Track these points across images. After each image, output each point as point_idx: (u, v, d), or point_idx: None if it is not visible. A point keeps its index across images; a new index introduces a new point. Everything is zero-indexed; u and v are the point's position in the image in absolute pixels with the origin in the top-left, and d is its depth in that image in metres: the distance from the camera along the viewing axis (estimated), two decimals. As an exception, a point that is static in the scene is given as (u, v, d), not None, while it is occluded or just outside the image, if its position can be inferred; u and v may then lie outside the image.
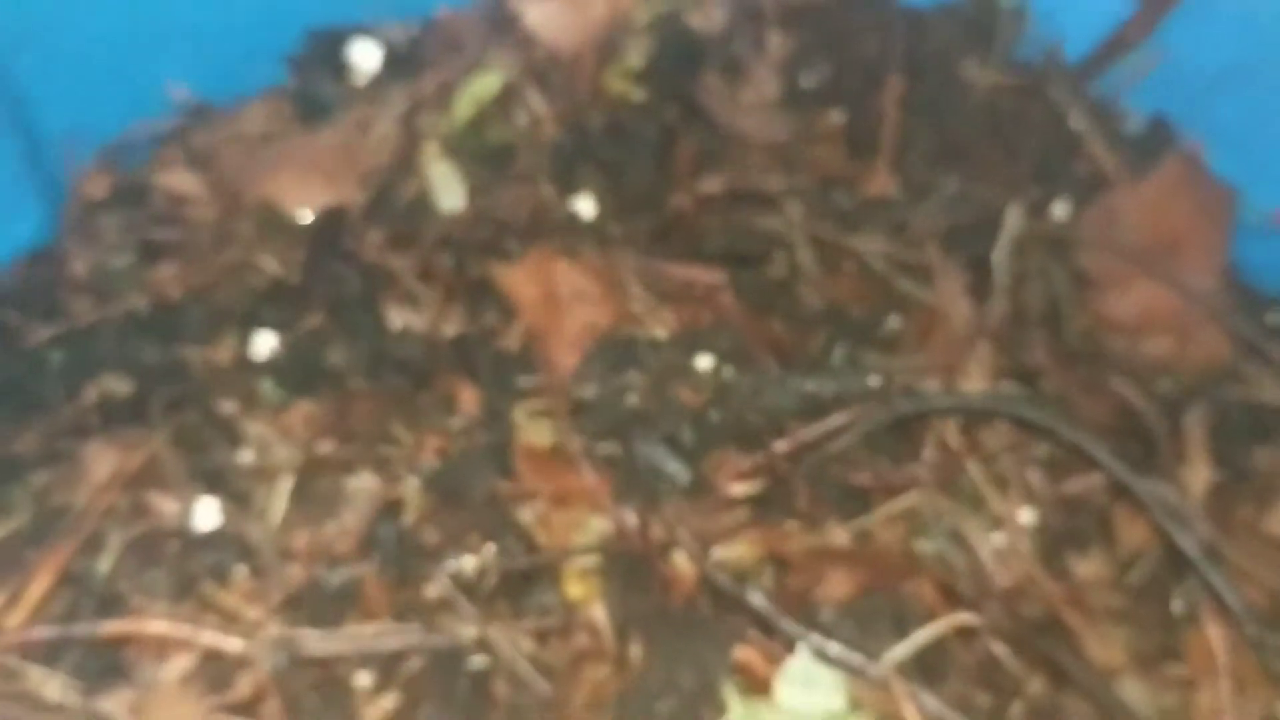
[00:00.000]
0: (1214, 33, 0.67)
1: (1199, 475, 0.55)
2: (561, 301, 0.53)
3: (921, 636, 0.47)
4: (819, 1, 0.73)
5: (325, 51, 0.70)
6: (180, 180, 0.64)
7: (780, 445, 0.49)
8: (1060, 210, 0.66)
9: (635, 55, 0.68)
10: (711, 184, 0.60)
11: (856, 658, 0.45)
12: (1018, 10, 0.71)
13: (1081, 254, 0.64)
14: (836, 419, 0.50)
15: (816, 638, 0.45)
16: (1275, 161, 0.66)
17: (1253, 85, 0.67)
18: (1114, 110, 0.71)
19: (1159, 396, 0.60)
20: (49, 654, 0.45)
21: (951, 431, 0.52)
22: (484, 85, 0.64)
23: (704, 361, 0.52)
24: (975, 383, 0.54)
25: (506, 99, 0.64)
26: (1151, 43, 0.69)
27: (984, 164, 0.65)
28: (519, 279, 0.54)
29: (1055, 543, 0.53)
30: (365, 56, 0.69)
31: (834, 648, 0.45)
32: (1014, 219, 0.60)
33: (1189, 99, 0.69)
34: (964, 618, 0.48)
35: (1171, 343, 0.62)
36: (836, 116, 0.66)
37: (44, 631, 0.46)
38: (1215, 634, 0.49)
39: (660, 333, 0.54)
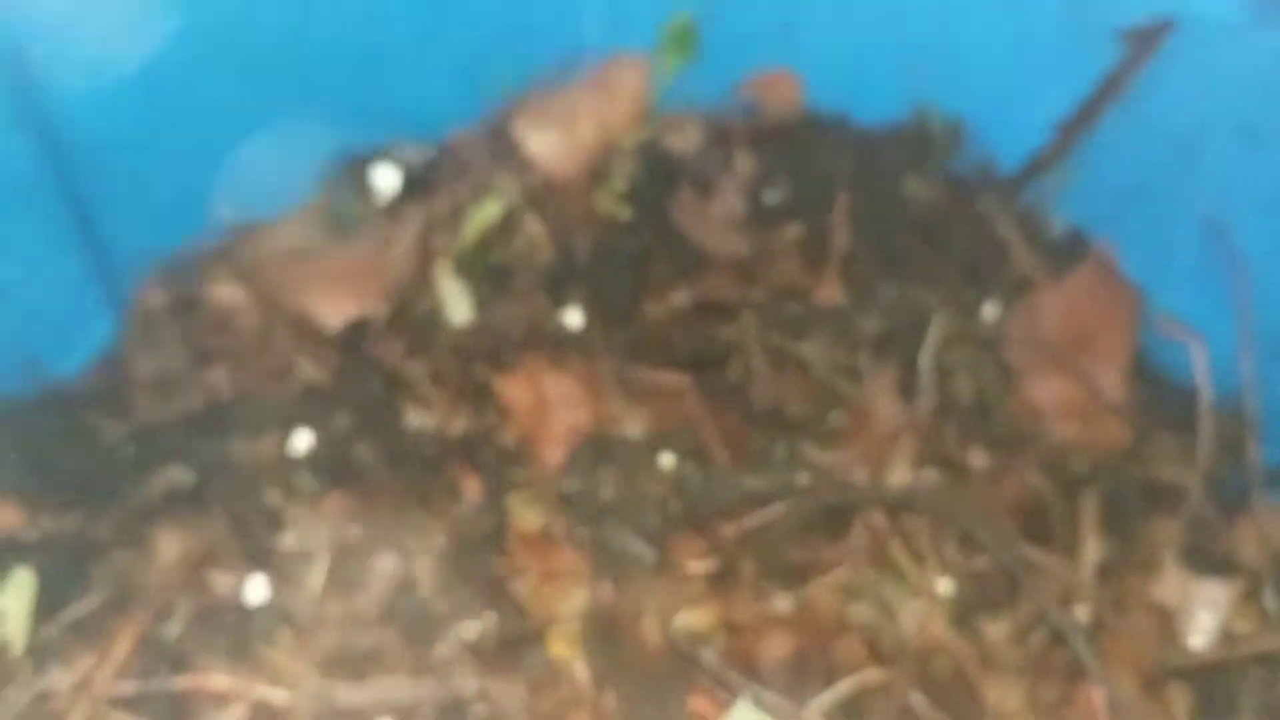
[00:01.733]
0: (1124, 154, 0.76)
1: (1090, 549, 0.64)
2: (550, 405, 0.64)
3: (845, 687, 0.56)
4: (781, 124, 0.83)
5: (351, 173, 0.81)
6: (226, 292, 0.74)
7: (729, 530, 0.59)
8: (990, 309, 0.75)
9: (620, 177, 0.79)
10: (681, 297, 0.70)
11: (789, 705, 0.55)
12: (953, 131, 0.81)
13: (1007, 349, 0.74)
14: (776, 508, 0.60)
15: (756, 688, 0.55)
16: (1178, 265, 0.76)
17: (1157, 199, 0.76)
18: (1038, 220, 0.80)
19: (1068, 476, 0.69)
20: (132, 705, 0.56)
21: (877, 515, 0.62)
22: (488, 210, 0.74)
23: (667, 459, 0.62)
24: (900, 473, 0.64)
25: (507, 222, 0.74)
26: (1070, 162, 0.79)
27: (922, 270, 0.75)
28: (515, 386, 0.64)
29: (967, 608, 0.62)
30: (385, 179, 0.79)
31: (770, 696, 0.55)
32: (940, 325, 0.70)
33: (1104, 210, 0.79)
34: (883, 672, 0.57)
35: (1080, 427, 0.71)
36: (794, 231, 0.76)
37: (127, 686, 0.56)
38: (1096, 694, 0.58)
39: (634, 431, 0.64)
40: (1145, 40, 0.72)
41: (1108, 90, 0.74)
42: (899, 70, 0.80)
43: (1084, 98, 0.75)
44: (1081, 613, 0.60)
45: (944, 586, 0.62)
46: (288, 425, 0.66)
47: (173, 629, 0.58)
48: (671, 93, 0.83)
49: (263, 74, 0.74)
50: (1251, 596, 0.62)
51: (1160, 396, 0.73)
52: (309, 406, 0.67)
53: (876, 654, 0.59)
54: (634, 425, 0.64)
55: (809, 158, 0.80)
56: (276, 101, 0.75)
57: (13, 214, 0.63)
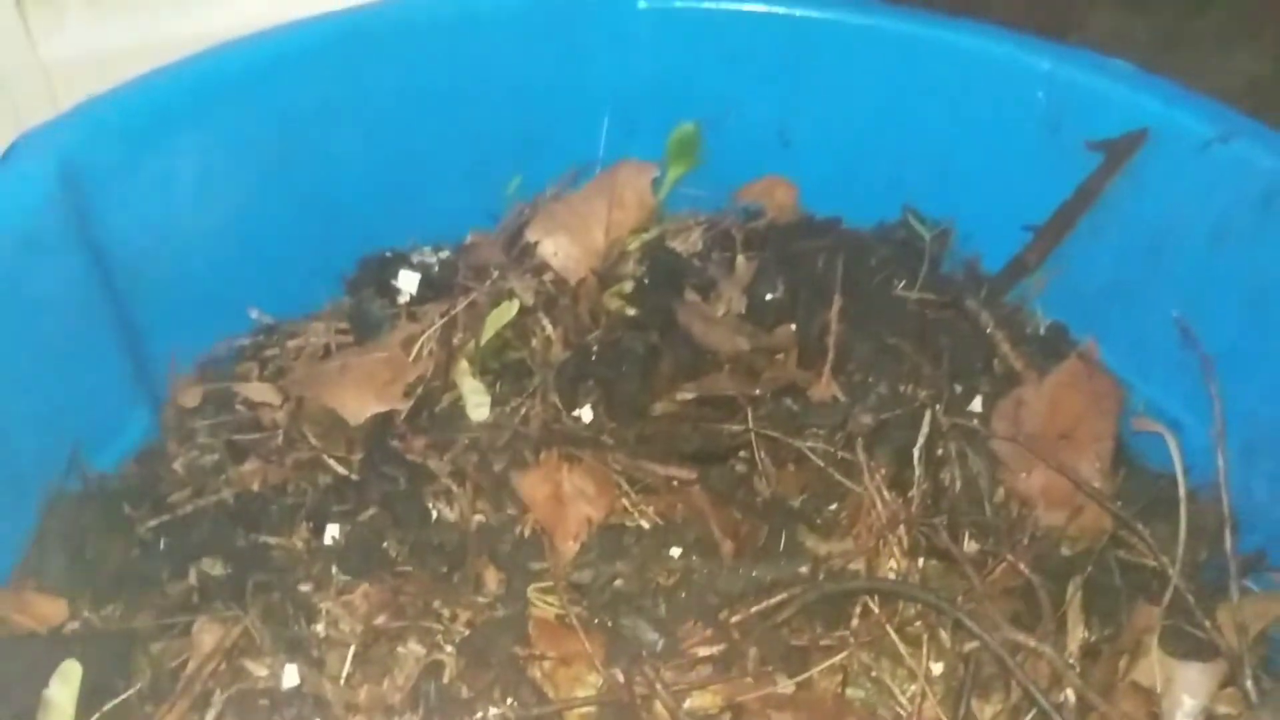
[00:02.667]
0: (1103, 255, 0.81)
1: (1077, 634, 0.68)
2: (565, 499, 0.68)
3: (847, 768, 0.60)
4: (779, 227, 0.88)
5: (375, 275, 0.85)
6: (257, 390, 0.78)
7: (735, 617, 0.63)
8: (977, 404, 0.80)
9: (628, 278, 0.84)
10: (687, 393, 0.75)
11: (794, 785, 0.58)
12: (941, 234, 0.86)
13: (995, 441, 0.78)
14: (779, 596, 0.63)
15: (763, 769, 0.58)
16: (1157, 359, 0.80)
17: (1135, 298, 0.81)
18: (1023, 317, 0.85)
19: (1055, 562, 0.73)
20: (172, 788, 0.59)
21: (874, 603, 0.66)
22: (505, 311, 0.78)
23: (675, 551, 0.66)
24: (895, 562, 0.68)
25: (523, 322, 0.79)
26: (1052, 262, 0.84)
27: (913, 366, 0.79)
28: (532, 481, 0.68)
29: (961, 690, 0.66)
30: (407, 281, 0.84)
31: (776, 777, 0.58)
32: (930, 419, 0.74)
33: (1086, 307, 0.83)
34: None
35: (1065, 516, 0.75)
36: (791, 329, 0.81)
37: (168, 772, 0.59)
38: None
39: (644, 524, 0.68)
40: (1119, 150, 0.78)
41: (1084, 196, 0.80)
42: (889, 176, 0.86)
43: (1063, 203, 0.80)
44: (1069, 695, 0.64)
45: (938, 670, 0.65)
46: (317, 518, 0.69)
47: (209, 716, 0.61)
48: (676, 197, 0.88)
49: (292, 186, 0.79)
50: (1232, 680, 0.65)
51: (1142, 484, 0.77)
52: (337, 499, 0.71)
53: (875, 734, 0.62)
54: (644, 518, 0.68)
55: (805, 259, 0.85)
56: (303, 209, 0.80)
57: (66, 321, 0.68)
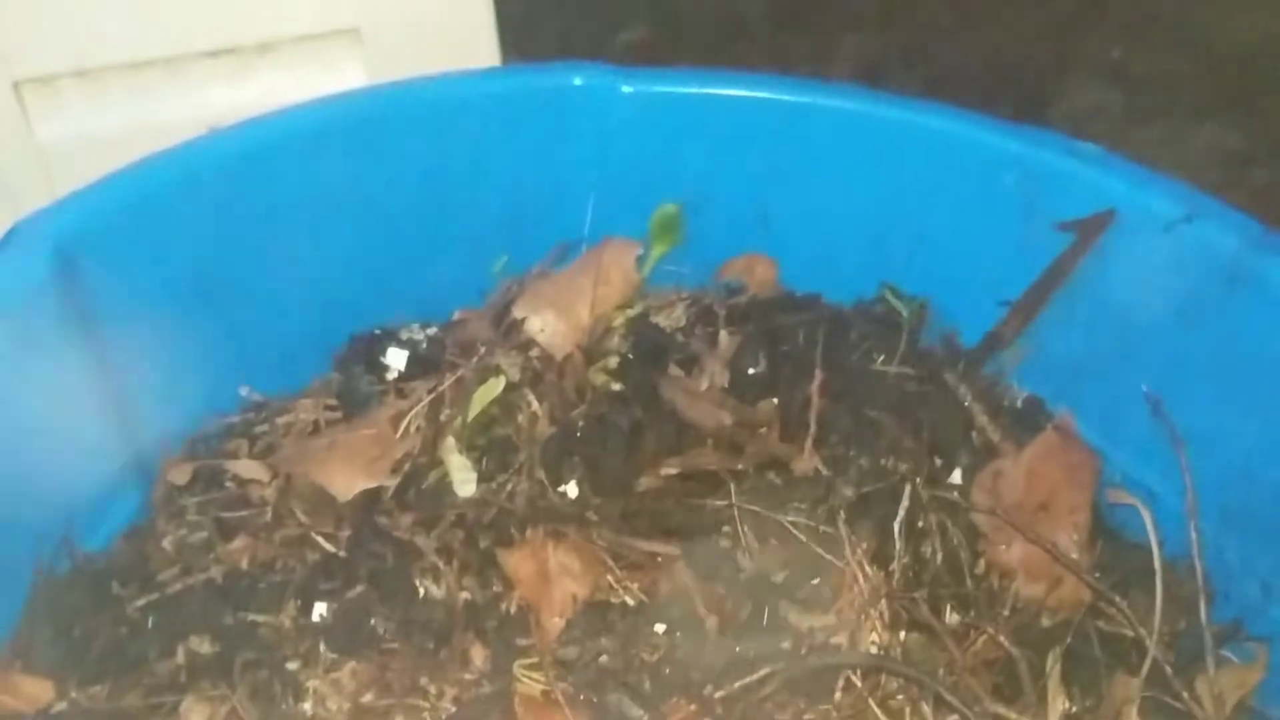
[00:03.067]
0: (1075, 330, 0.83)
1: (1057, 705, 0.69)
2: (551, 576, 0.69)
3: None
4: (760, 301, 0.90)
5: (363, 351, 0.87)
6: (246, 467, 0.79)
7: (719, 693, 0.64)
8: (957, 476, 0.81)
9: (613, 353, 0.85)
10: (671, 468, 0.76)
11: None
12: (918, 309, 0.88)
13: (974, 513, 0.79)
14: (762, 671, 0.64)
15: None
16: (1131, 432, 0.82)
17: (1108, 372, 0.83)
18: (1000, 390, 0.87)
19: (1035, 634, 0.74)
20: None
21: (857, 677, 0.67)
22: (491, 388, 0.80)
23: (659, 627, 0.67)
24: (877, 635, 0.69)
25: (509, 398, 0.80)
26: (1026, 337, 0.85)
27: (892, 440, 0.81)
28: (518, 558, 0.69)
29: (944, 762, 0.66)
30: (394, 357, 0.85)
31: None
32: (911, 493, 0.75)
33: (1061, 381, 0.85)
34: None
35: (1045, 588, 0.76)
36: (773, 403, 0.82)
37: None
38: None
39: (628, 600, 0.69)
40: (1088, 230, 0.80)
41: (1056, 273, 0.82)
42: (867, 253, 0.88)
43: (1036, 279, 0.82)
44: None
45: (921, 743, 0.66)
46: (305, 595, 0.70)
47: (197, 796, 0.61)
48: (659, 274, 0.90)
49: (283, 266, 0.80)
50: (1211, 750, 0.66)
51: (1120, 555, 0.78)
52: (325, 576, 0.71)
53: (859, 809, 0.62)
54: (629, 593, 0.69)
55: (786, 334, 0.86)
56: (294, 289, 0.82)
57: (58, 402, 0.69)
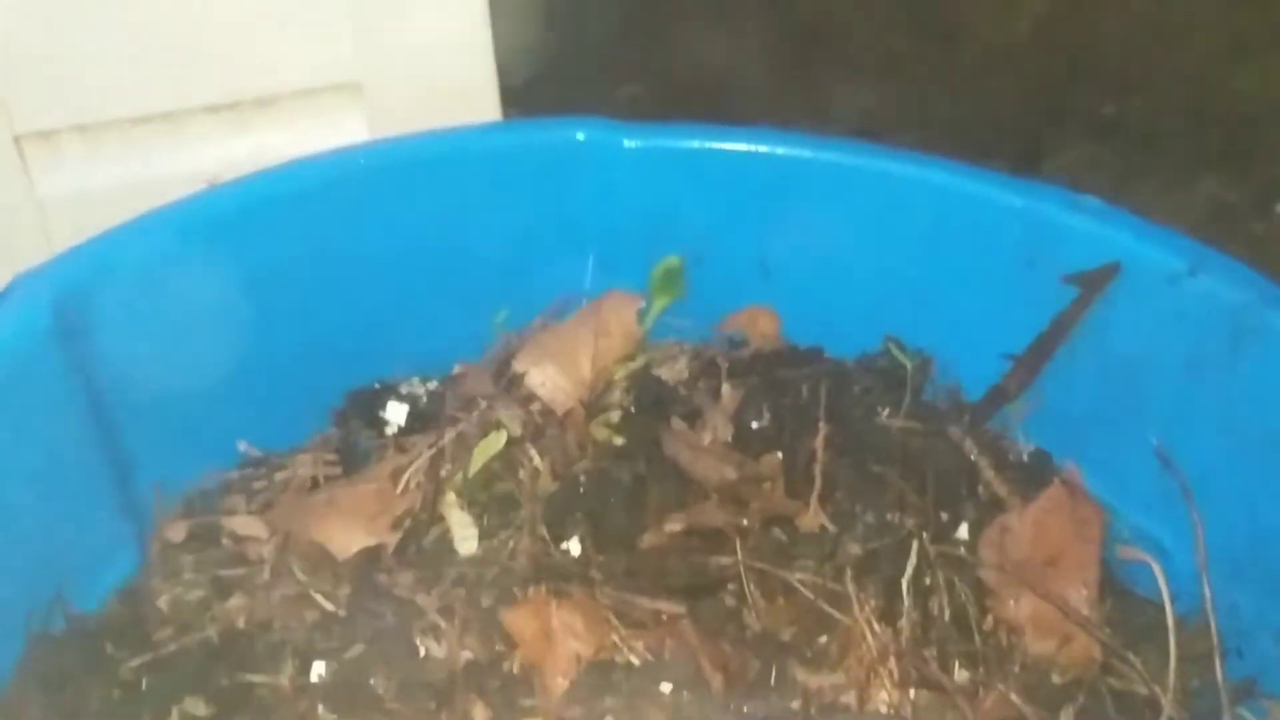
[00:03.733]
0: (1081, 383, 0.82)
1: (1071, 767, 0.67)
2: (554, 635, 0.67)
3: None
4: (763, 354, 0.90)
5: (363, 406, 0.86)
6: (243, 524, 0.78)
7: (727, 755, 0.62)
8: (963, 531, 0.80)
9: (615, 407, 0.85)
10: (675, 524, 0.75)
11: None
12: (923, 362, 0.87)
13: (982, 569, 0.78)
14: (770, 733, 0.63)
15: None
16: (1140, 486, 0.81)
17: (1115, 425, 0.82)
18: (1006, 444, 0.86)
19: (1047, 691, 0.72)
20: None
21: (866, 737, 0.65)
22: (492, 442, 0.79)
23: (665, 687, 0.65)
24: (887, 694, 0.67)
25: (510, 454, 0.79)
26: (1032, 390, 0.85)
27: (898, 495, 0.80)
28: (520, 617, 0.68)
29: (957, 826, 0.65)
30: (394, 412, 0.85)
31: None
32: (918, 548, 0.74)
33: (1068, 434, 0.84)
34: None
35: (1055, 644, 0.74)
36: (777, 458, 0.81)
37: None
38: None
39: (633, 659, 0.67)
40: (1093, 283, 0.80)
41: (1061, 327, 0.81)
42: (870, 307, 0.87)
43: (1040, 333, 0.82)
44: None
45: (933, 806, 0.65)
46: (303, 655, 0.69)
47: None
48: (660, 327, 0.90)
49: (282, 321, 0.80)
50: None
51: (1131, 611, 0.77)
52: (324, 636, 0.70)
53: None
54: (634, 653, 0.67)
55: (789, 387, 0.86)
56: (293, 343, 0.81)
57: (55, 459, 0.68)
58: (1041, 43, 1.71)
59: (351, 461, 0.81)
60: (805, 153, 0.83)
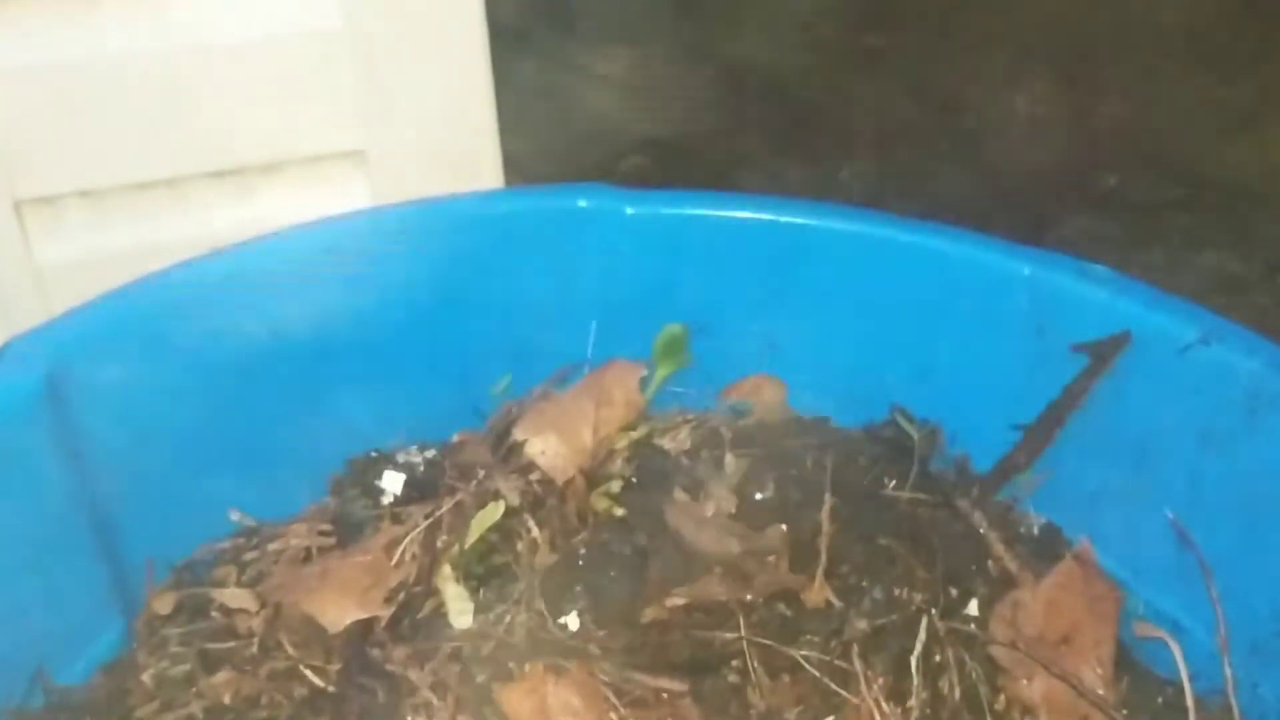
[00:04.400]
0: (1092, 456, 0.80)
1: None
2: (550, 713, 0.65)
3: None
4: (767, 424, 0.88)
5: (359, 474, 0.84)
6: (233, 596, 0.76)
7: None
8: (973, 607, 0.78)
9: (616, 477, 0.83)
10: (677, 599, 0.73)
11: None
12: (930, 433, 0.86)
13: (993, 646, 0.76)
14: (775, 819, 0.60)
15: None
16: (1154, 561, 0.79)
17: (1128, 499, 0.80)
18: (1016, 518, 0.84)
19: (1065, 776, 0.70)
20: None
21: (876, 824, 0.63)
22: (490, 512, 0.77)
23: (666, 770, 0.63)
24: (897, 779, 0.65)
25: (509, 524, 0.77)
26: (1042, 462, 0.83)
27: (906, 569, 0.78)
28: (516, 695, 0.66)
29: None
30: (391, 482, 0.83)
31: None
32: (928, 625, 0.72)
33: (1079, 508, 0.82)
34: None
35: (1072, 726, 0.72)
36: (782, 529, 0.79)
37: None
38: None
39: (633, 740, 0.65)
40: (1103, 352, 0.78)
41: (1072, 397, 0.80)
42: (876, 376, 0.86)
43: (1051, 403, 0.81)
44: None
45: None
46: (290, 734, 0.66)
47: None
48: (663, 395, 0.88)
49: (279, 388, 0.79)
50: None
51: (1148, 692, 0.74)
52: (312, 713, 0.68)
53: None
54: (633, 733, 0.65)
55: (794, 457, 0.84)
56: (289, 410, 0.80)
57: (42, 529, 0.66)
58: (1041, 116, 1.73)
59: (346, 532, 0.79)
60: (810, 220, 0.82)
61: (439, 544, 0.76)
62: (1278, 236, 1.49)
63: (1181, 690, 0.70)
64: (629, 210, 0.83)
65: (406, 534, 0.77)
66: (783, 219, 0.82)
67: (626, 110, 1.69)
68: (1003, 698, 0.72)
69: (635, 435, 0.85)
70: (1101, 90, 1.72)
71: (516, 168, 1.04)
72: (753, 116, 1.69)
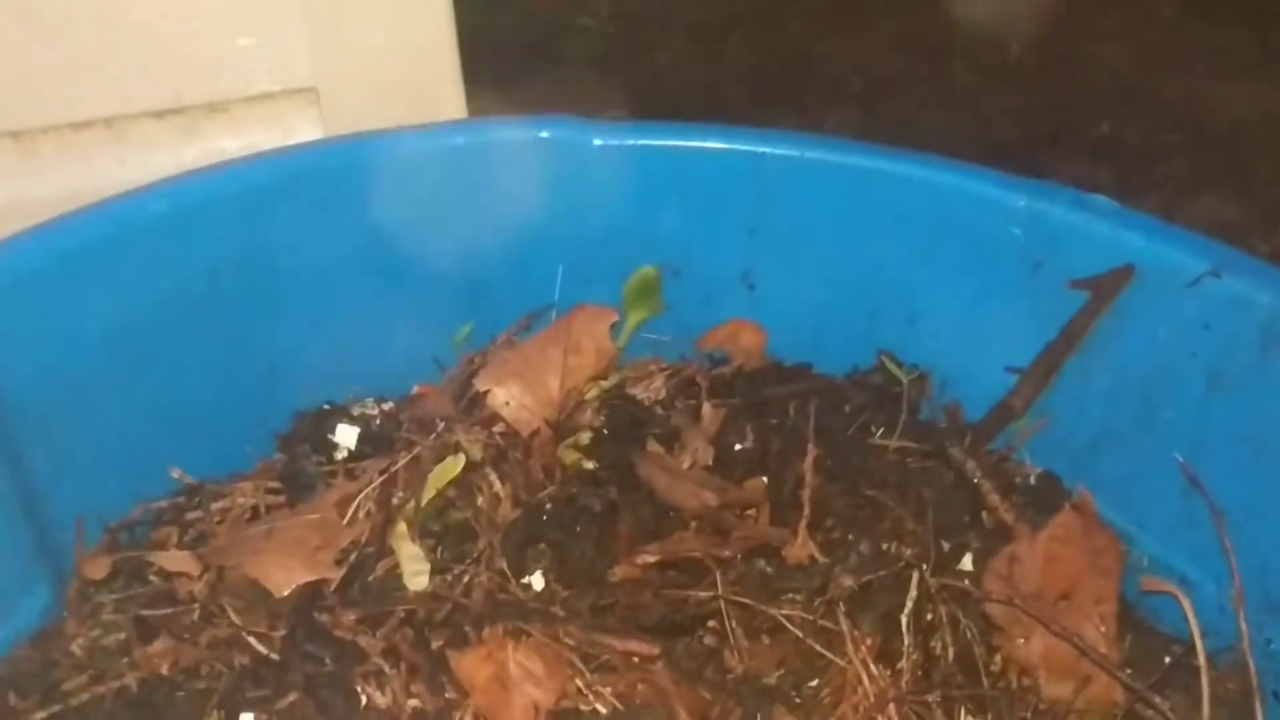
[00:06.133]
0: (1093, 400, 0.76)
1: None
2: (511, 681, 0.60)
3: None
4: (746, 372, 0.83)
5: (310, 429, 0.79)
6: (173, 559, 0.71)
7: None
8: (968, 562, 0.73)
9: (586, 429, 0.78)
10: (649, 555, 0.68)
11: None
12: (919, 379, 0.81)
13: (989, 603, 0.71)
14: (753, 791, 0.55)
15: None
16: (1158, 512, 0.74)
17: (1131, 445, 0.75)
18: (1011, 467, 0.79)
19: (1065, 739, 0.65)
20: None
21: (863, 794, 0.58)
22: (449, 467, 0.72)
23: (636, 741, 0.58)
24: (886, 745, 0.60)
25: (469, 479, 0.72)
26: (1039, 408, 0.78)
27: (895, 522, 0.73)
28: (472, 661, 0.61)
29: None
30: (344, 435, 0.78)
31: None
32: (919, 581, 0.67)
33: (1078, 456, 0.78)
34: None
35: (1071, 687, 0.68)
36: (762, 482, 0.75)
37: None
38: None
39: (600, 708, 0.60)
40: (1105, 288, 0.73)
41: (1070, 337, 0.75)
42: (861, 319, 0.81)
43: (1048, 344, 0.76)
44: None
45: None
46: (230, 705, 0.62)
47: None
48: (636, 343, 0.83)
49: (222, 335, 0.73)
50: None
51: (1153, 649, 0.71)
52: (254, 683, 0.63)
53: None
54: (601, 700, 0.60)
55: (775, 406, 0.79)
56: (233, 360, 0.75)
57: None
58: (1035, 63, 1.68)
59: (296, 489, 0.74)
60: (791, 151, 0.76)
61: (394, 501, 0.71)
62: (1277, 181, 1.45)
63: (1189, 648, 0.65)
64: (597, 142, 0.77)
65: (360, 490, 0.72)
66: (760, 149, 0.76)
67: (606, 61, 1.63)
68: (999, 658, 0.69)
69: (605, 385, 0.80)
70: (1095, 40, 1.68)
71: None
72: (737, 69, 1.64)
